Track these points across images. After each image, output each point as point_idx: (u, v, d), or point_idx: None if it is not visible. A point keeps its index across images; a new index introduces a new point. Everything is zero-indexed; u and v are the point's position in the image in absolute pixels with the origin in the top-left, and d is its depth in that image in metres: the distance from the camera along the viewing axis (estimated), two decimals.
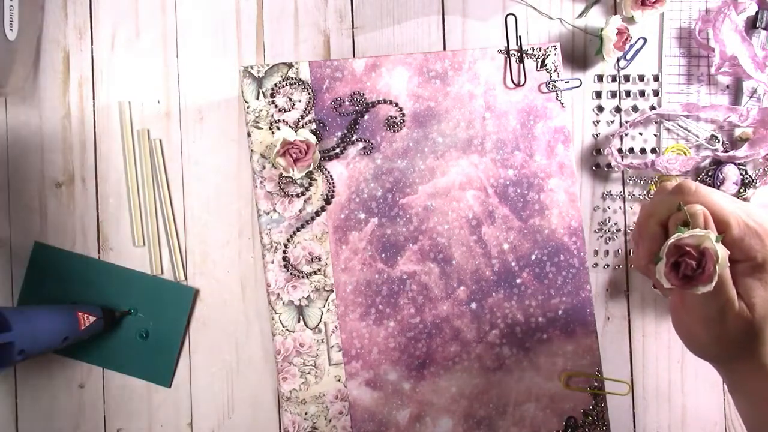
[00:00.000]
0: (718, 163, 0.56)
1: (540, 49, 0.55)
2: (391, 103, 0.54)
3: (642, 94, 0.58)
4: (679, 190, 0.39)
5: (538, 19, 0.58)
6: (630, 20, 0.57)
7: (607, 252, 0.58)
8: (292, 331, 0.53)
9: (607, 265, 0.58)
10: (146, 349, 0.55)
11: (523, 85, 0.55)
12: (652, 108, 0.58)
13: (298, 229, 0.53)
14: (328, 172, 0.54)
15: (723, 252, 0.37)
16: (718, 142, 0.57)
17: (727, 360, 0.41)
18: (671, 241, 0.37)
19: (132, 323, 0.55)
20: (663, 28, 0.58)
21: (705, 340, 0.40)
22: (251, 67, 0.53)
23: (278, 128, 0.53)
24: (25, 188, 0.56)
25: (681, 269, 0.37)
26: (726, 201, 0.39)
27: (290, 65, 0.53)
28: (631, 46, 0.57)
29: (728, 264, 0.38)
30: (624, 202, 0.58)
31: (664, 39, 0.58)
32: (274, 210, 0.53)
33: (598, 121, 0.58)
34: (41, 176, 0.56)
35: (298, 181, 0.53)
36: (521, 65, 0.55)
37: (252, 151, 0.53)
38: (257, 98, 0.53)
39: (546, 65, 0.55)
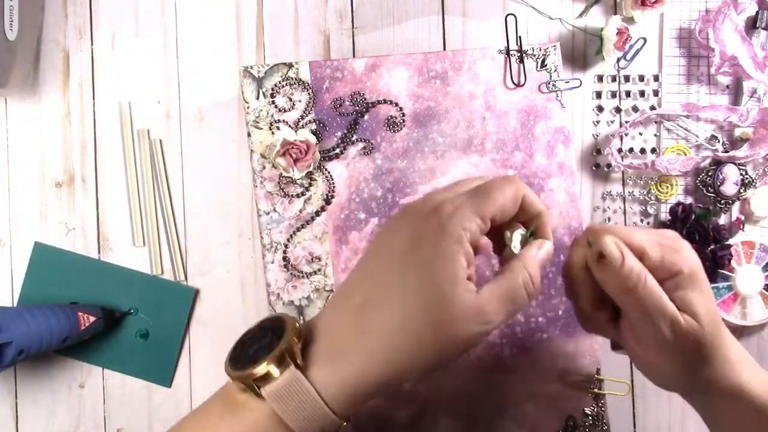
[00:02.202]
0: (718, 163, 0.56)
1: (540, 49, 0.55)
2: (391, 103, 0.54)
3: (642, 94, 0.58)
4: (587, 233, 0.40)
5: (538, 19, 0.58)
6: (630, 20, 0.57)
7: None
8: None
9: None
10: (146, 349, 0.55)
11: (523, 85, 0.55)
12: (652, 108, 0.58)
13: (298, 229, 0.53)
14: (328, 172, 0.54)
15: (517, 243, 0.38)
16: (718, 142, 0.57)
17: (693, 385, 0.41)
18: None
19: (132, 323, 0.55)
20: (663, 28, 0.58)
21: (665, 367, 0.40)
22: (251, 67, 0.53)
23: (278, 128, 0.53)
24: (25, 188, 0.56)
25: None
26: (633, 230, 0.40)
27: (290, 65, 0.53)
28: (631, 46, 0.57)
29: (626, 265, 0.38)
30: (624, 202, 0.58)
31: (664, 39, 0.58)
32: (274, 210, 0.53)
33: (598, 121, 0.58)
34: (41, 176, 0.56)
35: (298, 181, 0.53)
36: (521, 65, 0.55)
37: (252, 151, 0.53)
38: (257, 98, 0.53)
39: (546, 65, 0.55)
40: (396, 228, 0.37)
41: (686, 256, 0.39)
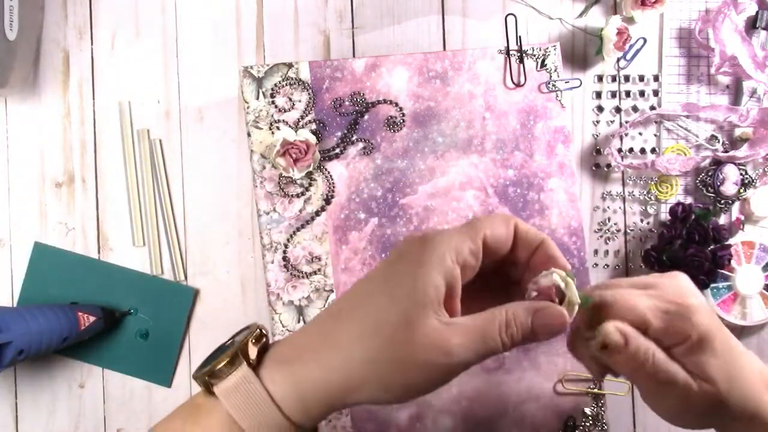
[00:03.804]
0: (718, 163, 0.56)
1: (540, 49, 0.55)
2: (391, 103, 0.54)
3: (642, 94, 0.58)
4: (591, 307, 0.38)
5: (538, 19, 0.58)
6: (630, 20, 0.57)
7: (607, 252, 0.58)
8: (292, 331, 0.53)
9: (607, 265, 0.58)
10: (146, 349, 0.55)
11: (523, 85, 0.55)
12: (652, 108, 0.58)
13: (298, 229, 0.53)
14: (328, 172, 0.54)
15: (573, 289, 0.36)
16: (718, 142, 0.57)
17: (713, 426, 0.40)
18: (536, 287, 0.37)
19: (132, 323, 0.55)
20: (663, 28, 0.58)
21: (682, 417, 0.39)
22: (251, 67, 0.53)
23: (278, 128, 0.53)
24: (25, 188, 0.56)
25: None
26: (636, 298, 0.37)
27: (290, 65, 0.53)
28: (631, 46, 0.57)
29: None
30: (624, 202, 0.58)
31: (664, 39, 0.58)
32: (274, 210, 0.53)
33: (598, 121, 0.58)
34: (41, 176, 0.56)
35: (298, 181, 0.53)
36: (521, 65, 0.55)
37: (252, 151, 0.53)
38: (257, 98, 0.53)
39: (546, 65, 0.55)
40: (390, 253, 0.37)
41: (693, 320, 0.36)
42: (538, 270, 0.37)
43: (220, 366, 0.34)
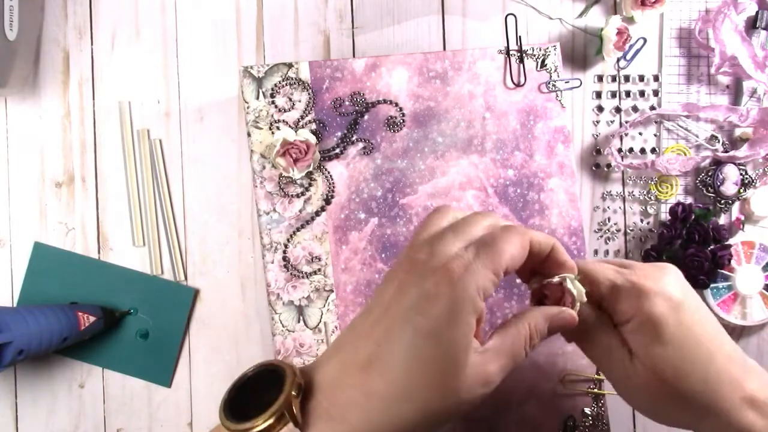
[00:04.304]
0: (718, 163, 0.56)
1: (540, 49, 0.55)
2: (391, 103, 0.54)
3: (642, 94, 0.58)
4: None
5: (538, 19, 0.58)
6: (630, 20, 0.57)
7: (607, 252, 0.58)
8: (292, 331, 0.53)
9: None
10: (146, 349, 0.55)
11: (523, 85, 0.55)
12: (652, 108, 0.58)
13: (298, 229, 0.53)
14: (328, 172, 0.54)
15: (580, 288, 0.39)
16: (718, 142, 0.57)
17: (688, 425, 0.40)
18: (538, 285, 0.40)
19: (132, 323, 0.55)
20: (663, 28, 0.58)
21: (652, 408, 0.40)
22: (251, 67, 0.53)
23: (278, 128, 0.53)
24: (25, 188, 0.56)
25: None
26: (602, 265, 0.40)
27: (290, 65, 0.53)
28: (631, 46, 0.57)
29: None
30: (624, 202, 0.58)
31: (664, 39, 0.58)
32: (274, 210, 0.53)
33: (598, 121, 0.58)
34: (41, 176, 0.56)
35: (298, 181, 0.53)
36: (521, 65, 0.55)
37: (252, 151, 0.53)
38: (257, 98, 0.53)
39: (546, 65, 0.55)
40: (404, 282, 0.35)
41: (642, 305, 0.38)
42: (547, 274, 0.39)
43: (263, 425, 0.33)
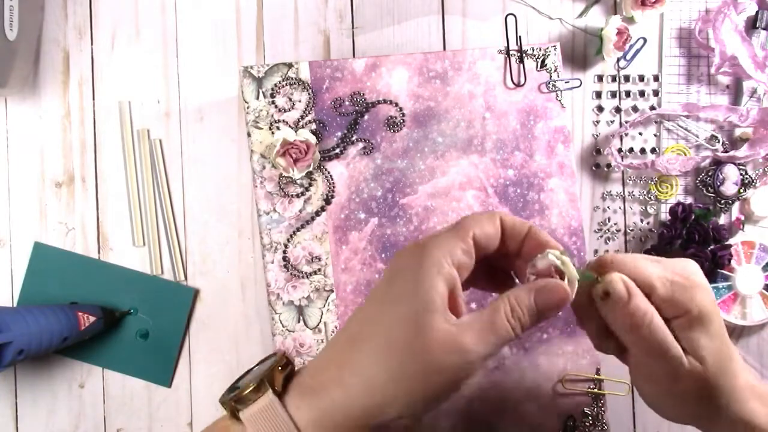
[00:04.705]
0: (718, 163, 0.56)
1: (540, 49, 0.55)
2: (391, 103, 0.54)
3: (642, 94, 0.58)
4: (597, 264, 0.39)
5: (538, 19, 0.58)
6: (630, 20, 0.57)
7: (607, 252, 0.58)
8: (292, 331, 0.53)
9: None
10: (146, 349, 0.55)
11: (523, 85, 0.55)
12: (652, 108, 0.58)
13: (298, 229, 0.53)
14: (328, 172, 0.54)
15: (566, 260, 0.36)
16: (718, 142, 0.57)
17: (698, 418, 0.40)
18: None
19: (132, 323, 0.55)
20: (663, 28, 0.58)
21: (670, 401, 0.39)
22: (251, 67, 0.53)
23: (278, 128, 0.53)
24: (25, 188, 0.56)
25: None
26: (645, 262, 0.38)
27: (290, 65, 0.53)
28: (631, 46, 0.57)
29: (623, 294, 0.36)
30: (624, 202, 0.58)
31: (664, 39, 0.58)
32: (274, 210, 0.53)
33: (598, 121, 0.58)
34: (41, 176, 0.56)
35: (298, 181, 0.53)
36: (521, 65, 0.55)
37: (252, 151, 0.53)
38: (257, 98, 0.53)
39: (546, 65, 0.55)
40: (385, 271, 0.38)
41: (696, 296, 0.37)
42: (531, 256, 0.37)
43: (246, 392, 0.35)
